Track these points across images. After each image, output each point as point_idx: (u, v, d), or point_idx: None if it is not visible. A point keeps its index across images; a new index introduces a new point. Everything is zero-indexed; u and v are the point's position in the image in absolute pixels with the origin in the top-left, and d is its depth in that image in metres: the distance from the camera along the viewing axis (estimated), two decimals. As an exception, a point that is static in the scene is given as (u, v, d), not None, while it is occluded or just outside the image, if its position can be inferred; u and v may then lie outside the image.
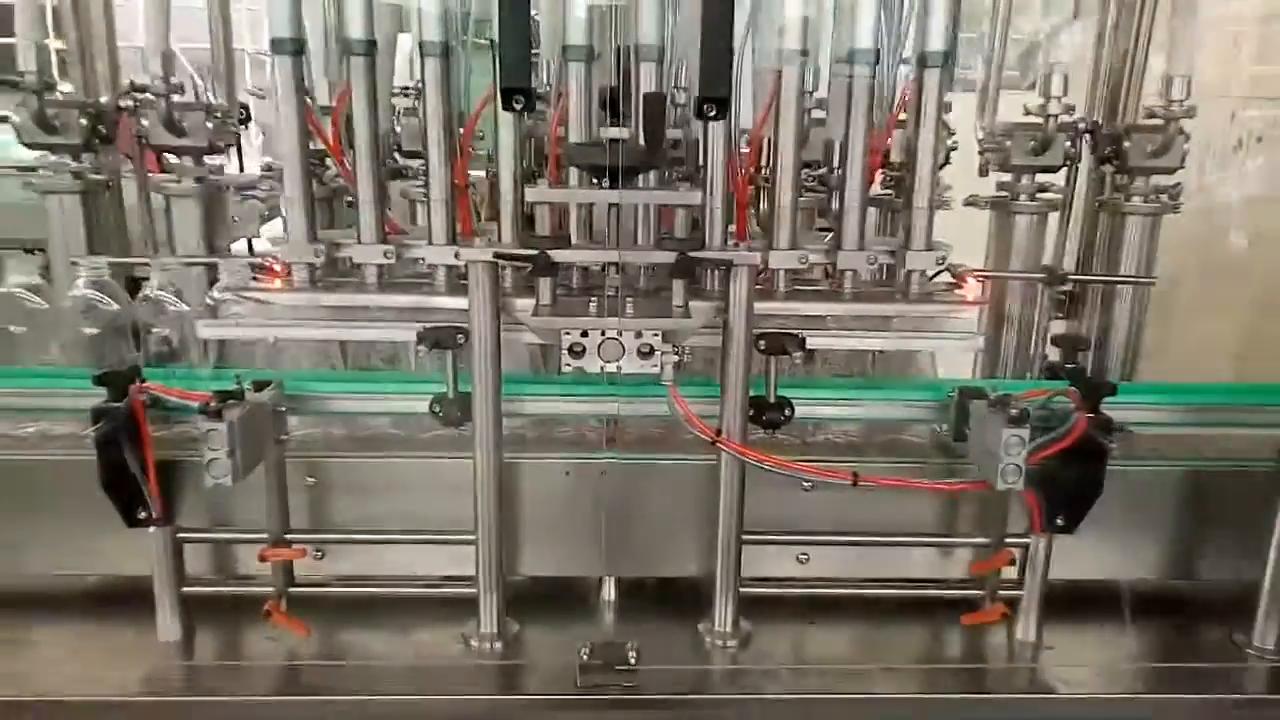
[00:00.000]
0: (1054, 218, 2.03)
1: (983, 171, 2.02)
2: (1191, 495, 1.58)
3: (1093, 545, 1.51)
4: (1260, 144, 3.63)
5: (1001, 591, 1.50)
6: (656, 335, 1.31)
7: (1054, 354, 2.09)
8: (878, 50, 1.41)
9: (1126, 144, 1.90)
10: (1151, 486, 1.57)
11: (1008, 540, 1.47)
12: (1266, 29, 3.64)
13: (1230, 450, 1.61)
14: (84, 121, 1.79)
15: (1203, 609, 1.59)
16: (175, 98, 1.78)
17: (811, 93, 1.82)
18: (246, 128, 2.12)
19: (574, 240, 1.40)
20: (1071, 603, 1.54)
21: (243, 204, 2.26)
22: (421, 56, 1.37)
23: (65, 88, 1.90)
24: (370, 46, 1.37)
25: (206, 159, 1.90)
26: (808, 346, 1.45)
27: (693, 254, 1.31)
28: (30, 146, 1.80)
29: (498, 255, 1.28)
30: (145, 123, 1.79)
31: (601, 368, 1.30)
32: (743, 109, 1.49)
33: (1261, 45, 3.70)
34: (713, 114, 1.16)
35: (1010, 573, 1.50)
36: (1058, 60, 1.84)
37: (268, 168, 1.93)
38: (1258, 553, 1.52)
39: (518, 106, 1.15)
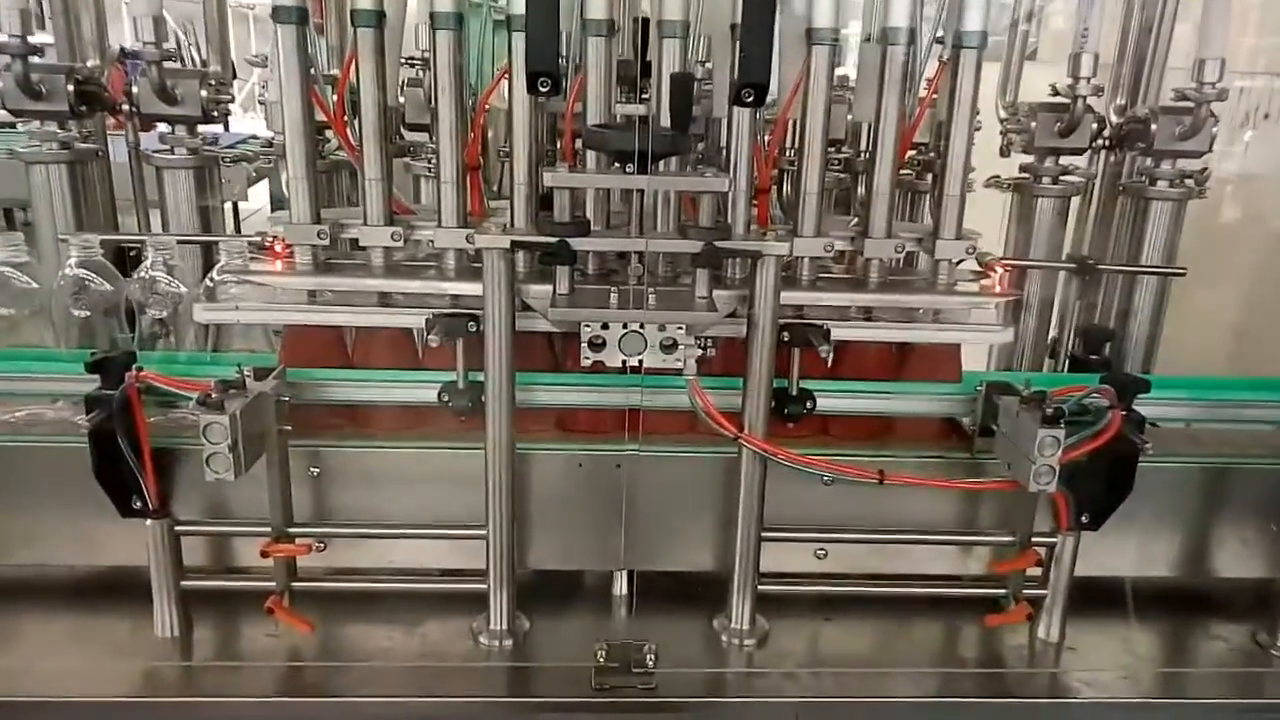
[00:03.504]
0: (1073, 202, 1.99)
1: (1004, 152, 1.97)
2: (1210, 492, 1.55)
3: (1112, 542, 1.48)
4: (1267, 120, 3.58)
5: (1025, 590, 1.46)
6: (680, 328, 1.25)
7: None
8: (913, 29, 1.34)
9: (1154, 126, 1.84)
10: (1171, 483, 1.53)
11: (1033, 539, 1.44)
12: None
13: (1240, 445, 1.59)
14: (71, 87, 1.70)
15: (1222, 608, 1.57)
16: (168, 64, 1.70)
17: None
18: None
19: (592, 225, 1.34)
20: (1089, 599, 1.51)
21: (231, 166, 2.19)
22: (432, 29, 1.30)
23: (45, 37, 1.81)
24: (379, 18, 1.29)
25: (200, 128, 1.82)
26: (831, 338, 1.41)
27: (720, 244, 1.25)
28: (14, 114, 1.71)
29: (515, 244, 1.22)
30: (136, 90, 1.70)
31: (623, 362, 1.25)
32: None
33: (1262, 17, 3.64)
34: (750, 100, 1.09)
35: (1031, 569, 1.47)
36: (1087, 34, 1.76)
37: (268, 143, 1.84)
38: (1276, 551, 1.51)
39: (544, 90, 1.08)
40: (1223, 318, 3.16)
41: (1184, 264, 1.95)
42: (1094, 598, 1.51)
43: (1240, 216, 3.30)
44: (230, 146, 2.37)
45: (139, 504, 1.35)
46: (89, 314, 1.49)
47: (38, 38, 1.68)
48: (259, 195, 3.30)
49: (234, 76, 2.04)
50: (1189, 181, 1.90)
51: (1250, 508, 1.55)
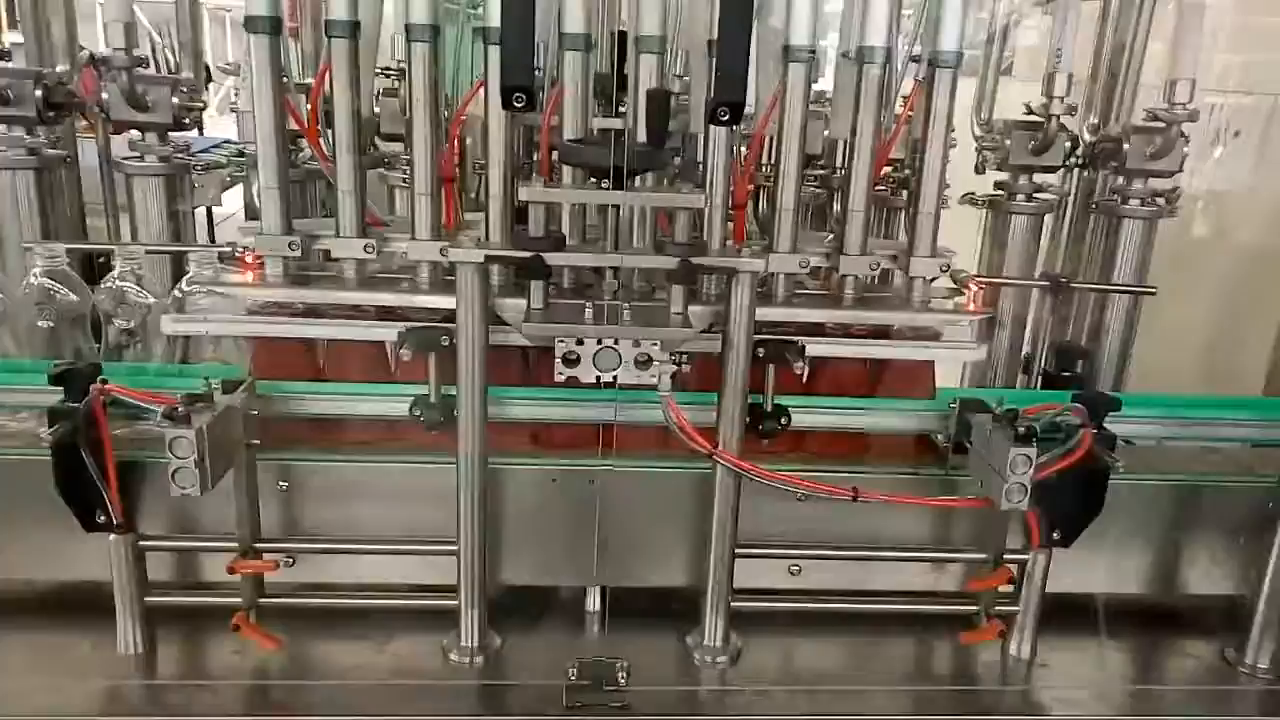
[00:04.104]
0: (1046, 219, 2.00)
1: (979, 169, 1.98)
2: (1181, 509, 1.56)
3: (1084, 559, 1.48)
4: (1237, 138, 3.62)
5: (997, 606, 1.46)
6: (655, 344, 1.24)
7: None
8: (889, 49, 1.34)
9: (1126, 145, 1.86)
10: (1142, 500, 1.54)
11: (1005, 556, 1.44)
12: (1239, 19, 3.62)
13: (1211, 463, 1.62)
14: (39, 93, 1.67)
15: (1192, 624, 1.57)
16: (138, 70, 1.67)
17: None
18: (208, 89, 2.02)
19: (567, 239, 1.32)
20: (1061, 616, 1.51)
21: (206, 171, 2.16)
22: (408, 40, 1.28)
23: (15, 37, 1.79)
24: (353, 28, 1.28)
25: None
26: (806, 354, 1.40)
27: (695, 260, 1.24)
28: (-19, 118, 1.68)
29: (489, 258, 1.21)
30: (106, 96, 1.68)
31: (597, 378, 1.24)
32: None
33: (1233, 35, 3.68)
34: (726, 118, 1.09)
35: (1004, 586, 1.47)
36: (1061, 54, 1.78)
37: (239, 151, 1.82)
38: (1245, 568, 1.52)
39: (519, 105, 1.07)
40: (1193, 335, 3.19)
41: (1155, 281, 1.96)
42: (1066, 614, 1.51)
43: (1210, 234, 3.33)
44: (204, 150, 2.34)
45: (103, 518, 1.31)
46: (54, 324, 1.46)
47: (7, 40, 1.66)
48: (235, 199, 3.26)
49: (209, 80, 2.02)
50: (1160, 200, 1.92)
51: (1220, 525, 1.56)
